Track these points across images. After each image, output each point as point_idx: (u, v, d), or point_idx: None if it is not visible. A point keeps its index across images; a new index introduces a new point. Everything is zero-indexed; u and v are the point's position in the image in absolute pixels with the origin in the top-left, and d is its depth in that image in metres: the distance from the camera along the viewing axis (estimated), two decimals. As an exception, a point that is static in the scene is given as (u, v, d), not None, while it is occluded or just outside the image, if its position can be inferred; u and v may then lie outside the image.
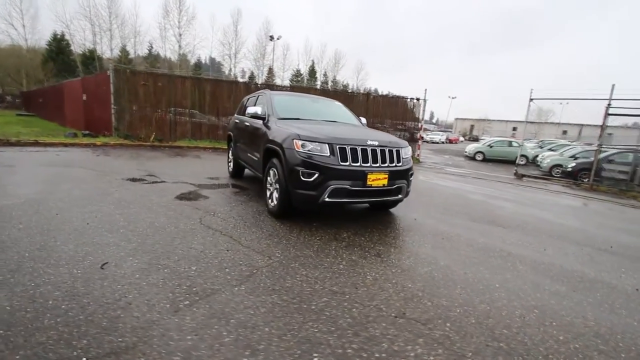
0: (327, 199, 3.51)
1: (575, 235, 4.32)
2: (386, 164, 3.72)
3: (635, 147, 9.91)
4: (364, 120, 5.44)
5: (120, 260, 2.56)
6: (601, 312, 2.35)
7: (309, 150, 3.52)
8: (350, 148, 3.56)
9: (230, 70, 51.26)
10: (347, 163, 3.52)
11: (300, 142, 3.55)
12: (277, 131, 4.03)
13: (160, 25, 44.06)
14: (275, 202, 3.95)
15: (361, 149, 3.60)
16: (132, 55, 42.59)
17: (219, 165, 7.96)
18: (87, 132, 11.36)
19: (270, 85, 14.51)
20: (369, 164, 3.61)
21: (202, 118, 13.01)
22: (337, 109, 5.36)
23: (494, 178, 11.10)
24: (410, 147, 4.21)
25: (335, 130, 3.96)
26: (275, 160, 3.92)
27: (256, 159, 4.65)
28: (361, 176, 3.54)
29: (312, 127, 3.99)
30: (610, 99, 9.73)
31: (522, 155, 17.24)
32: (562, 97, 10.82)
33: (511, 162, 18.30)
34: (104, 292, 2.11)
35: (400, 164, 3.86)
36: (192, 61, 49.53)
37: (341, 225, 3.90)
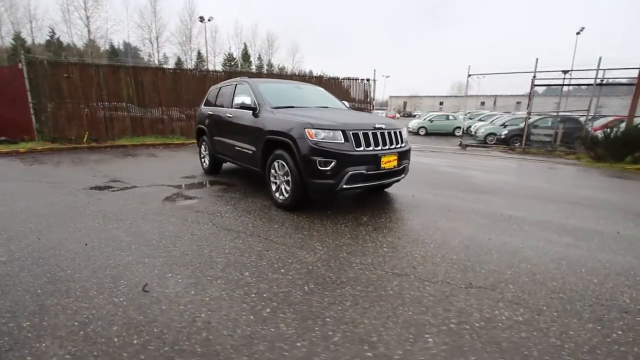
0: (344, 186, 3.52)
1: (543, 194, 4.98)
2: (394, 146, 3.83)
3: (554, 113, 11.54)
4: (347, 103, 5.46)
5: (161, 279, 2.29)
6: (607, 254, 2.80)
7: (322, 139, 3.45)
8: (362, 133, 3.58)
9: (150, 55, 46.57)
10: (362, 148, 3.55)
11: (313, 131, 3.46)
12: (279, 121, 3.85)
13: (62, 8, 37.82)
14: (285, 194, 3.83)
15: (372, 133, 3.65)
16: (29, 44, 36.07)
17: (183, 163, 7.37)
18: (2, 138, 9.51)
19: (239, 73, 13.58)
20: (380, 148, 3.68)
21: (141, 112, 11.73)
22: (323, 94, 5.29)
23: (445, 150, 12.08)
24: (405, 128, 4.37)
25: (339, 116, 3.93)
26: (281, 152, 3.77)
27: (250, 152, 4.41)
28: (375, 160, 3.60)
29: (317, 114, 3.90)
30: (535, 72, 11.12)
31: (458, 127, 19.11)
32: (494, 72, 12.03)
33: (449, 134, 20.06)
34: (170, 316, 1.89)
35: (403, 145, 4.01)
36: (105, 47, 43.83)
37: (353, 209, 3.96)
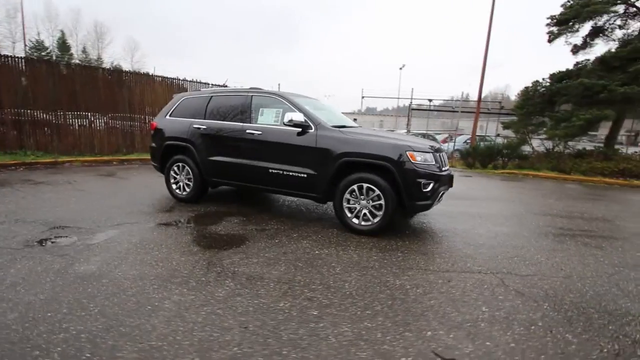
0: (434, 205, 3.69)
1: (490, 196, 6.53)
2: (449, 166, 4.26)
3: (426, 132, 14.85)
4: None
5: (432, 341, 1.89)
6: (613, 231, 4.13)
7: (422, 161, 3.51)
8: (440, 155, 3.84)
9: None
10: (444, 169, 3.80)
11: (415, 154, 3.47)
12: (363, 142, 3.62)
13: None
14: (372, 219, 3.60)
15: (441, 155, 3.95)
16: None
17: (108, 189, 5.52)
18: None
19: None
20: (446, 168, 4.02)
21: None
22: (340, 113, 5.15)
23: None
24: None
25: (410, 138, 4.04)
26: (367, 175, 3.55)
27: (304, 175, 3.86)
28: (451, 180, 3.92)
29: (392, 135, 3.89)
30: (412, 98, 13.99)
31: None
32: (383, 96, 14.39)
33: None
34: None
35: (446, 164, 4.50)
36: None
37: (414, 225, 4.13)
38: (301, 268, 2.79)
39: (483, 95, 17.84)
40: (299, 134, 3.90)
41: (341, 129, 3.85)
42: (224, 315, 2.06)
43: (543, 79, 12.11)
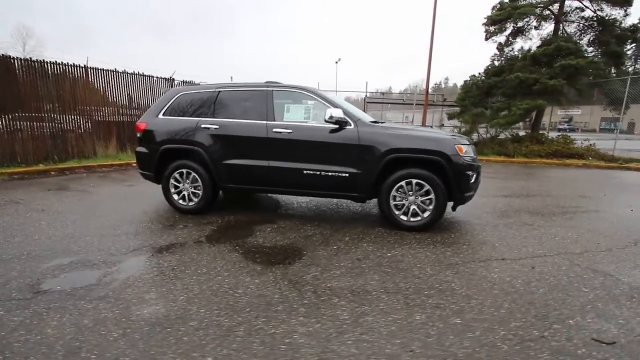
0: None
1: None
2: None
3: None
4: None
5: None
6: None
7: (466, 154, 3.58)
8: (473, 148, 3.98)
9: None
10: (478, 160, 3.95)
11: (462, 147, 3.52)
12: (412, 138, 3.55)
13: None
14: (423, 215, 3.57)
15: (473, 147, 4.09)
16: None
17: (85, 210, 4.59)
18: None
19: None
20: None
21: None
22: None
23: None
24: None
25: (439, 130, 4.07)
26: (421, 171, 3.50)
27: (345, 175, 3.64)
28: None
29: (429, 129, 3.87)
30: (367, 92, 14.37)
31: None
32: (341, 90, 14.46)
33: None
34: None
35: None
36: None
37: (446, 219, 4.26)
38: (393, 274, 2.63)
39: (403, 88, 19.16)
40: (334, 131, 3.67)
41: (382, 125, 3.74)
42: (374, 340, 1.83)
43: (479, 73, 13.52)
